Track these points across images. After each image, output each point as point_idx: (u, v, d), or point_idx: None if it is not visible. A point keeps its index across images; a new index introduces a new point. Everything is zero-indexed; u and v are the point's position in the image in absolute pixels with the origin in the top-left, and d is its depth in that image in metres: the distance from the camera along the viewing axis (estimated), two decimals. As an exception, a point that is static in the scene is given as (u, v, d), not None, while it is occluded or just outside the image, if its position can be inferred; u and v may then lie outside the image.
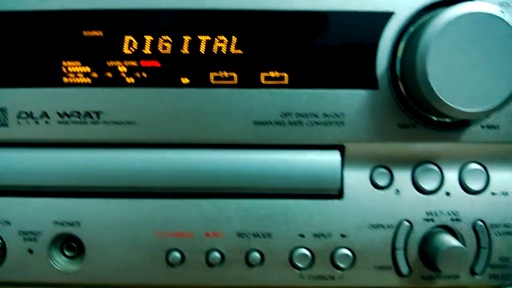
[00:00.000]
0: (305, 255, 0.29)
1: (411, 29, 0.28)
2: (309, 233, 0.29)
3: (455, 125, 0.29)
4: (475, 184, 0.30)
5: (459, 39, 0.25)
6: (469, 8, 0.25)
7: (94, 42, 0.29)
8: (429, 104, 0.26)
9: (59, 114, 0.29)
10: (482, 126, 0.29)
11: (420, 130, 0.29)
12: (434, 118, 0.29)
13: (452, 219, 0.30)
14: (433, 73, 0.26)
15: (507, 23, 0.25)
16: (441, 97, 0.26)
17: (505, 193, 0.30)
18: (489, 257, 0.30)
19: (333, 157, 0.29)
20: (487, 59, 0.25)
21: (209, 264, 0.29)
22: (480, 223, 0.30)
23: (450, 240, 0.28)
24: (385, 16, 0.28)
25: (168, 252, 0.29)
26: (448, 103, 0.26)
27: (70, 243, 0.30)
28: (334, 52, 0.28)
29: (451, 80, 0.26)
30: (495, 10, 0.25)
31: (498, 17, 0.25)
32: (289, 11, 0.28)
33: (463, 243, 0.29)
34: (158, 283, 0.30)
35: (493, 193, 0.30)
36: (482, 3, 0.25)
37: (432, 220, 0.30)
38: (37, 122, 0.29)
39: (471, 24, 0.25)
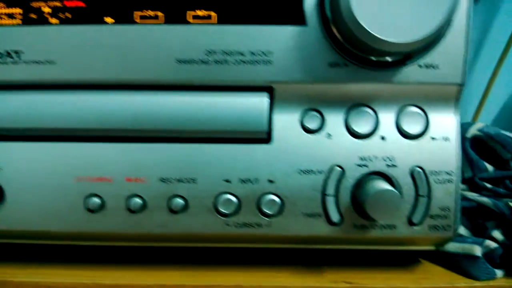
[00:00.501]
0: (231, 200, 0.28)
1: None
2: (235, 178, 0.28)
3: (390, 64, 0.27)
4: (413, 128, 0.28)
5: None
6: None
7: (18, -18, 0.28)
8: (356, 38, 0.25)
9: (-21, 54, 0.28)
10: (420, 66, 0.27)
11: (352, 69, 0.27)
12: (366, 56, 0.27)
13: (387, 165, 0.28)
14: (357, 3, 0.24)
15: None
16: (366, 28, 0.24)
17: (446, 138, 0.28)
18: (428, 207, 0.28)
19: (261, 99, 0.28)
20: (416, -13, 0.24)
21: (130, 211, 0.28)
22: (419, 169, 0.28)
23: (381, 185, 0.26)
24: None
25: (87, 198, 0.28)
26: (375, 34, 0.24)
27: (-10, 189, 0.29)
28: (262, -13, 0.27)
29: (377, 10, 0.24)
30: None
31: None
32: None
33: (400, 191, 0.27)
34: (77, 230, 0.28)
35: (433, 138, 0.28)
36: None
37: (366, 165, 0.28)
38: (-42, 63, 0.28)
39: None
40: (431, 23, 0.24)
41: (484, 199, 0.32)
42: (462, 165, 0.37)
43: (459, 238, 0.31)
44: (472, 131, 0.37)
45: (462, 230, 0.33)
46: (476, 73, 0.66)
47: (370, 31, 0.24)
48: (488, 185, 0.36)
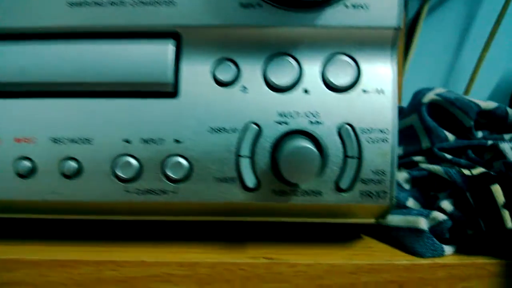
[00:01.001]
0: (130, 163, 0.24)
1: None
2: (136, 138, 0.24)
3: (311, 5, 0.23)
4: (341, 79, 0.24)
5: None
6: None
7: None
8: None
9: None
10: (346, 6, 0.23)
11: (268, 10, 0.24)
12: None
13: (311, 122, 0.24)
14: None
15: None
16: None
17: (380, 91, 0.24)
18: (359, 169, 0.24)
19: (165, 46, 0.24)
20: None
21: (19, 175, 0.24)
22: (347, 127, 0.24)
23: (298, 142, 0.22)
24: None
25: (-29, 160, 0.24)
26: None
27: None
28: None
29: None
30: None
31: None
32: None
33: (325, 152, 0.24)
34: (-39, 198, 0.25)
35: (364, 91, 0.24)
36: None
37: (286, 123, 0.24)
38: None
39: None
40: None
41: (435, 167, 0.28)
42: (420, 134, 0.33)
43: (404, 210, 0.27)
44: (430, 96, 0.33)
45: (412, 203, 0.29)
46: (466, 48, 0.63)
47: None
48: (448, 156, 0.32)
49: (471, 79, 0.58)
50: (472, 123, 0.32)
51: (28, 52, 0.24)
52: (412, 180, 0.29)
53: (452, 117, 0.33)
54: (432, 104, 0.33)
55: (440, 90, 0.33)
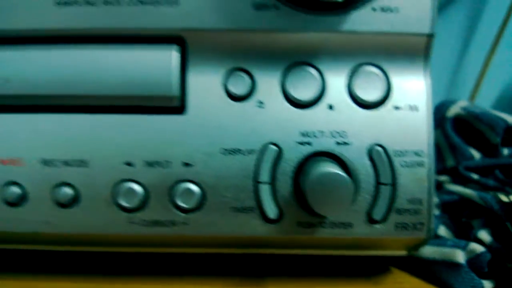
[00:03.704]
0: (134, 190, 0.20)
1: None
2: (140, 161, 0.20)
3: (335, 6, 0.19)
4: (370, 93, 0.20)
5: None
6: None
7: None
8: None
9: None
10: (374, 9, 0.20)
11: (285, 13, 0.20)
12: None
13: (337, 143, 0.20)
14: None
15: None
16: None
17: (413, 107, 0.20)
18: (393, 198, 0.20)
19: (168, 52, 0.20)
20: None
21: (7, 203, 0.20)
22: (379, 149, 0.20)
23: (328, 168, 0.18)
24: None
25: (-49, 186, 0.20)
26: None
27: None
28: None
29: None
30: None
31: None
32: None
33: (354, 177, 0.19)
34: None
35: (396, 107, 0.20)
36: None
37: (309, 143, 0.20)
38: None
39: None
40: None
41: (468, 191, 0.24)
42: (444, 151, 0.29)
43: (437, 240, 0.23)
44: (454, 109, 0.29)
45: (443, 231, 0.25)
46: (472, 50, 0.57)
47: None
48: (475, 176, 0.28)
49: (477, 83, 0.53)
50: (498, 140, 0.28)
51: (12, 60, 0.20)
52: (442, 206, 0.25)
53: (478, 134, 0.29)
54: (457, 119, 0.29)
55: (464, 103, 0.29)
